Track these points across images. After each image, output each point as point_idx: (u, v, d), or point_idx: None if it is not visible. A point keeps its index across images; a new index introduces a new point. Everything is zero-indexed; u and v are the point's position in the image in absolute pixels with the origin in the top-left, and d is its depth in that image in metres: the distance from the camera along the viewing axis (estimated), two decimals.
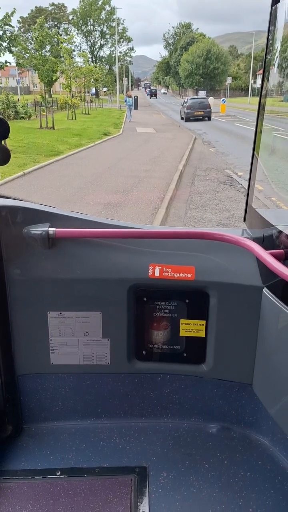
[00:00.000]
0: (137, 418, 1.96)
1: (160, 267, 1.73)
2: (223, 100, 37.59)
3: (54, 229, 1.67)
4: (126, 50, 75.71)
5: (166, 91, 74.71)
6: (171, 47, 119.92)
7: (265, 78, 1.79)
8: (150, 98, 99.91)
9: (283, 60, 1.74)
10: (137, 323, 1.84)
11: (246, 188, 1.98)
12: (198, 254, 1.76)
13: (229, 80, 75.18)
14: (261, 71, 1.84)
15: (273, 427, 1.77)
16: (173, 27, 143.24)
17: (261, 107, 1.83)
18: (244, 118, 34.96)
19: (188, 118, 32.94)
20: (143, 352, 1.88)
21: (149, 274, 1.73)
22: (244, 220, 2.01)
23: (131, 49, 75.39)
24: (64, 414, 1.95)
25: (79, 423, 1.95)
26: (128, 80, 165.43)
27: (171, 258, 1.75)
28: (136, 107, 48.93)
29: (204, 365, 1.86)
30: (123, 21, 77.38)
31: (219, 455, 1.79)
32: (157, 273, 1.73)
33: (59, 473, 1.72)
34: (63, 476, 1.71)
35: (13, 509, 1.57)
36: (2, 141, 1.55)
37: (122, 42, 74.34)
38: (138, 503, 1.58)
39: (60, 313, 1.80)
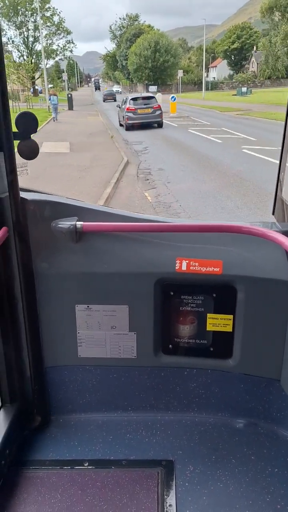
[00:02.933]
0: (163, 411, 1.93)
1: (187, 261, 1.69)
2: (172, 97, 29.30)
3: (81, 223, 1.66)
4: (64, 43, 65.88)
5: (120, 89, 69.09)
6: (118, 39, 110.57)
7: None
8: (95, 90, 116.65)
9: None
10: (163, 317, 1.82)
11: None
12: (225, 248, 1.72)
13: (180, 73, 67.08)
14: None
15: None
16: (120, 18, 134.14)
17: None
18: (200, 120, 26.74)
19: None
20: (170, 346, 1.86)
21: (176, 268, 1.70)
22: (273, 213, 1.89)
23: (70, 42, 65.59)
24: (91, 406, 1.93)
25: (106, 415, 1.93)
26: (76, 76, 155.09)
27: (198, 252, 1.72)
28: (71, 107, 40.07)
29: (231, 360, 1.83)
30: (59, 11, 67.07)
31: (246, 450, 1.76)
32: (184, 267, 1.70)
33: (86, 464, 1.72)
34: (90, 467, 1.70)
35: (42, 498, 1.57)
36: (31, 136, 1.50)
37: (60, 34, 64.45)
38: (165, 496, 1.57)
39: (88, 306, 1.79)
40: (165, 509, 1.53)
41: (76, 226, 1.66)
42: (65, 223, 1.67)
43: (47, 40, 63.74)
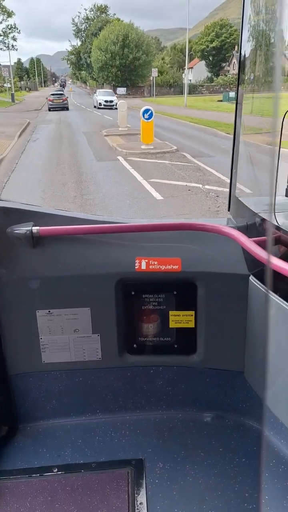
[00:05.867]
0: (131, 411, 1.89)
1: (147, 260, 1.67)
2: (146, 111, 13.90)
3: (38, 227, 1.61)
4: (5, 28, 49.21)
5: (115, 98, 39.45)
6: (82, 34, 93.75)
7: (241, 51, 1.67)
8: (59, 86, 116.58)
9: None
10: (126, 317, 1.78)
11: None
12: (184, 245, 1.70)
13: (154, 72, 51.71)
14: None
15: (266, 412, 1.71)
16: (85, 9, 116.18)
17: (239, 94, 1.71)
18: (209, 168, 11.39)
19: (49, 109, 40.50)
20: (134, 345, 1.83)
21: (136, 267, 1.67)
22: (229, 209, 1.89)
23: (13, 27, 48.97)
24: (59, 411, 1.88)
25: (74, 420, 1.88)
26: (38, 74, 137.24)
27: (157, 250, 1.70)
28: None
29: (195, 355, 1.81)
30: None
31: (214, 443, 1.76)
32: (143, 266, 1.67)
33: (56, 470, 1.67)
34: (60, 472, 1.66)
35: (11, 508, 1.52)
36: None
37: None
38: (136, 495, 1.55)
39: (49, 311, 1.73)
40: (136, 508, 1.50)
41: (32, 231, 1.60)
42: (21, 229, 1.60)
43: None
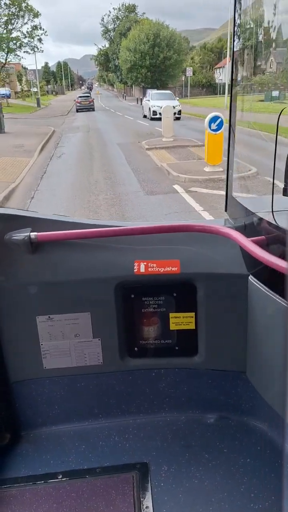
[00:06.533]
0: (134, 415, 1.87)
1: (145, 263, 1.66)
2: (214, 119, 9.98)
3: (36, 233, 1.61)
4: (30, 29, 45.89)
5: (176, 104, 25.23)
6: (110, 34, 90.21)
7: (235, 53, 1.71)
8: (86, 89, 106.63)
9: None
10: (126, 320, 1.77)
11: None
12: (182, 247, 1.70)
13: (189, 72, 47.79)
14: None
15: (269, 412, 1.68)
16: (114, 9, 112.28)
17: (233, 94, 1.71)
18: None
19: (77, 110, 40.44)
20: (135, 349, 1.81)
21: (135, 270, 1.67)
22: (226, 210, 1.89)
23: (38, 27, 45.61)
24: (62, 417, 1.86)
25: (77, 425, 1.87)
26: (65, 78, 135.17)
27: (156, 253, 1.69)
28: (1, 128, 20.69)
29: (196, 357, 1.80)
30: None
31: (218, 444, 1.74)
32: (142, 269, 1.66)
33: (60, 476, 1.66)
34: (64, 479, 1.65)
35: None
36: None
37: (24, 17, 44.50)
38: (141, 499, 1.54)
39: (49, 316, 1.73)
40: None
41: (30, 237, 1.59)
42: (19, 235, 1.59)
43: (5, 26, 43.72)
